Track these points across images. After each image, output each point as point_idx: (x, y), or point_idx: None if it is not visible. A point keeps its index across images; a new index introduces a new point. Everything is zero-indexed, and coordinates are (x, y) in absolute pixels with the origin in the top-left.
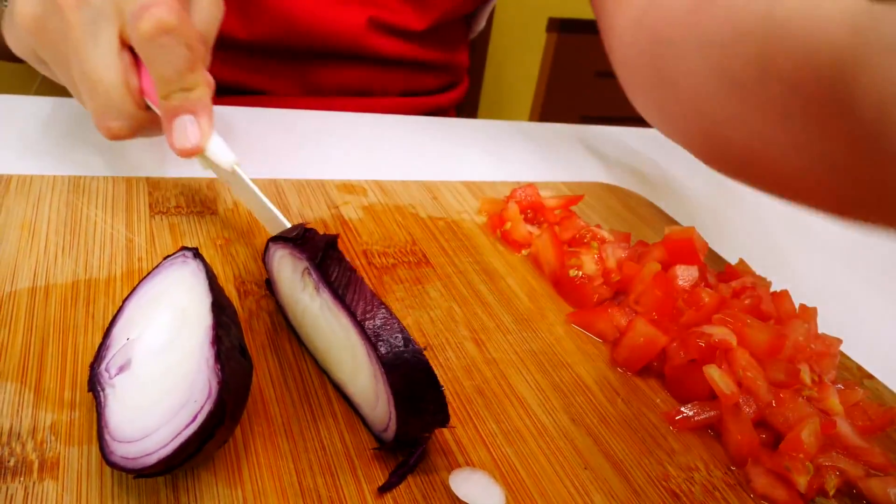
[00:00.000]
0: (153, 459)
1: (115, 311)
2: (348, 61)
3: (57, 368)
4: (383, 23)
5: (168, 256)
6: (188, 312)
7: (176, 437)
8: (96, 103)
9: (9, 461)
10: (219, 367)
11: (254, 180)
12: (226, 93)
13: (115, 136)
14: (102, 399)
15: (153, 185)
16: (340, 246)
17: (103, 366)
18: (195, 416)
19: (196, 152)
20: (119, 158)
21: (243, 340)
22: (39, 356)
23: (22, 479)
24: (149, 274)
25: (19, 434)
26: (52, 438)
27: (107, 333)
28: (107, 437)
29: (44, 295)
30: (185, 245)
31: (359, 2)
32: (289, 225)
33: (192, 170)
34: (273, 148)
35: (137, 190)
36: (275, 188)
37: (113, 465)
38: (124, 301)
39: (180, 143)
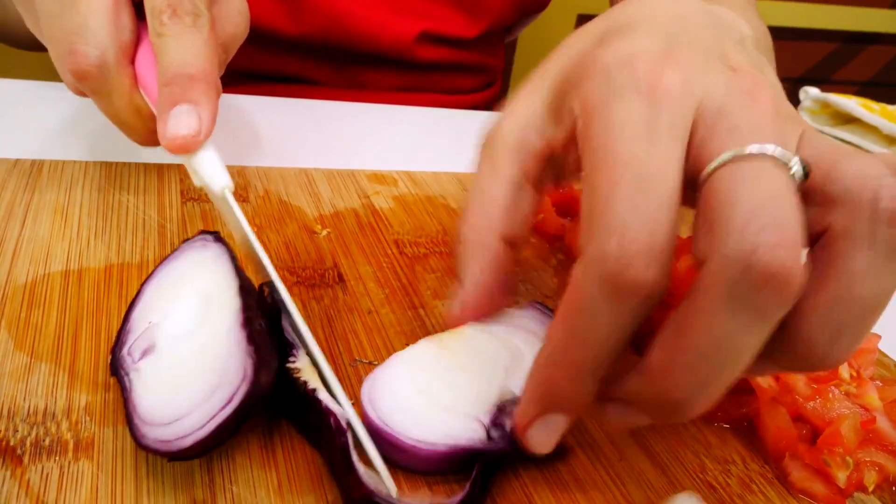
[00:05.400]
0: (189, 441)
1: None
2: (393, 65)
3: (91, 350)
4: (435, 34)
5: (187, 240)
6: (214, 297)
7: (212, 418)
8: (71, 22)
9: (44, 440)
10: (252, 348)
11: (285, 169)
12: (266, 80)
13: (80, 67)
14: (128, 384)
15: (184, 172)
16: (372, 235)
17: (125, 350)
18: (231, 398)
19: (189, 146)
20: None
21: (265, 315)
22: (73, 338)
23: (57, 458)
24: (167, 257)
25: (54, 414)
26: (87, 419)
27: (126, 318)
28: (136, 421)
29: (77, 278)
30: (211, 230)
31: (413, 13)
32: (272, 271)
33: (223, 157)
34: (305, 138)
35: (169, 177)
36: (305, 177)
37: (146, 449)
38: (142, 285)
39: (173, 131)
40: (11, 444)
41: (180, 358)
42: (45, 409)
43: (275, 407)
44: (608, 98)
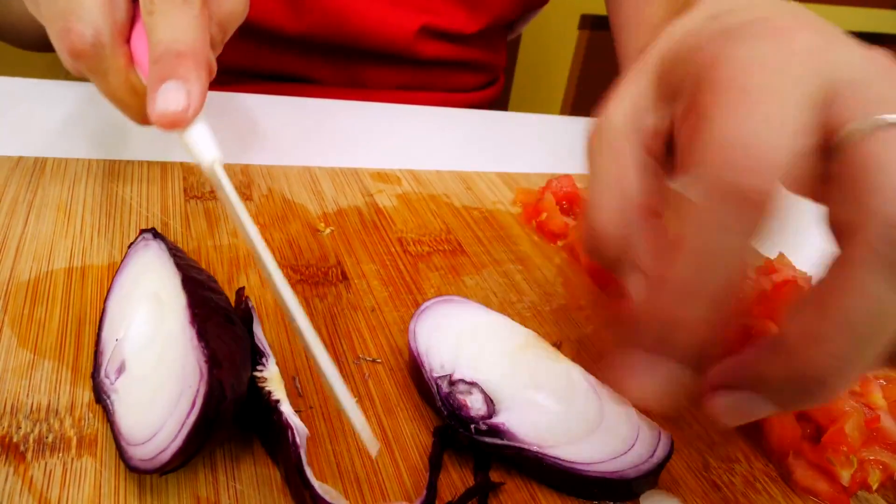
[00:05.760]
0: (168, 455)
1: None
2: (394, 62)
3: (94, 347)
4: (435, 29)
5: (131, 244)
6: (163, 298)
7: (182, 427)
8: (67, 1)
9: (47, 437)
10: (203, 344)
11: (288, 167)
12: (269, 80)
13: (75, 46)
14: (110, 406)
15: (188, 170)
16: (375, 233)
17: (102, 373)
18: (194, 402)
19: (178, 122)
20: (154, 143)
21: (229, 308)
22: (76, 335)
23: (60, 454)
24: (119, 267)
25: (57, 410)
26: (90, 415)
27: (97, 339)
28: (122, 444)
29: (80, 275)
30: (148, 227)
31: (413, 7)
32: (264, 250)
33: (226, 156)
34: (308, 136)
35: (172, 175)
36: (308, 175)
37: (135, 471)
38: (105, 301)
39: (161, 107)
40: (14, 440)
41: (146, 370)
42: (49, 405)
43: (243, 417)
44: (736, 44)
